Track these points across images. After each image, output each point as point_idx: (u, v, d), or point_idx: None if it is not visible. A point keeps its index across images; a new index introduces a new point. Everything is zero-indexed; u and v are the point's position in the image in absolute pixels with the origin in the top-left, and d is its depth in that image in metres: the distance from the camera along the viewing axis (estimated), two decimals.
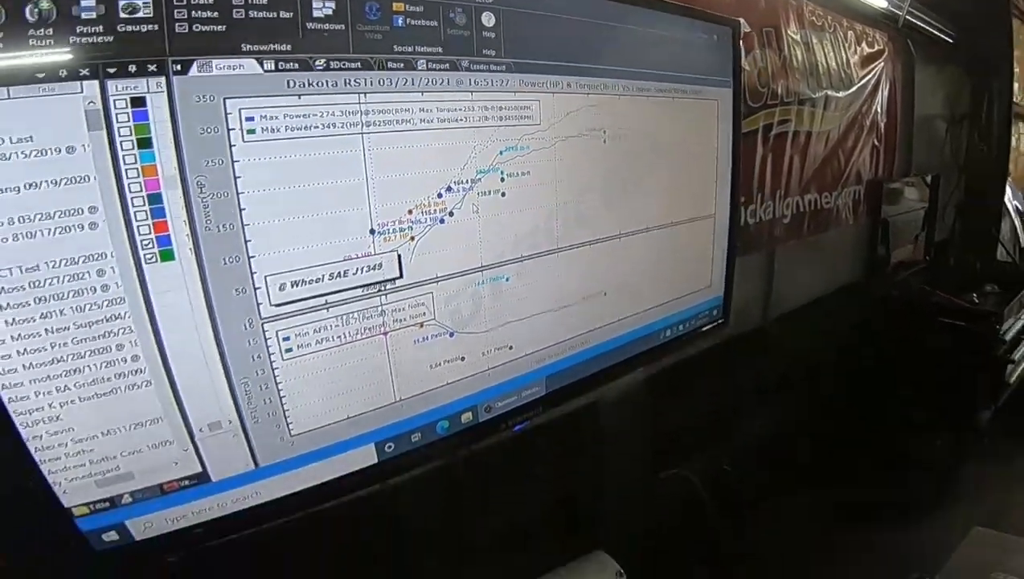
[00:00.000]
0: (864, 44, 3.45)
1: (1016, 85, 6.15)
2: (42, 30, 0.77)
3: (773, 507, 2.81)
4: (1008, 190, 5.46)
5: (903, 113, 3.91)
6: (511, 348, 1.29)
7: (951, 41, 4.43)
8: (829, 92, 3.09)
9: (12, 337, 0.80)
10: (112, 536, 0.93)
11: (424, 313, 1.14)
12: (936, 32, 4.25)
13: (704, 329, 1.80)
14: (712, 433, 2.74)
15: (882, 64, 3.61)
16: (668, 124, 1.54)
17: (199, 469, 0.96)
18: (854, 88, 3.33)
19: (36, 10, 0.76)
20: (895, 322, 3.42)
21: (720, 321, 1.85)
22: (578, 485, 2.08)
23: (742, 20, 1.85)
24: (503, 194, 1.21)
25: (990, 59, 4.64)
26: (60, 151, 0.79)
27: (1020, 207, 5.90)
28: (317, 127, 0.97)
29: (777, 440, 3.01)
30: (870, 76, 3.49)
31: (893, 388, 3.26)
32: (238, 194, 0.91)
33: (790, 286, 3.01)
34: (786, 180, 2.83)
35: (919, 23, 3.99)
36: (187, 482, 0.96)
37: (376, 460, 1.13)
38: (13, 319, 0.80)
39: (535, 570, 1.68)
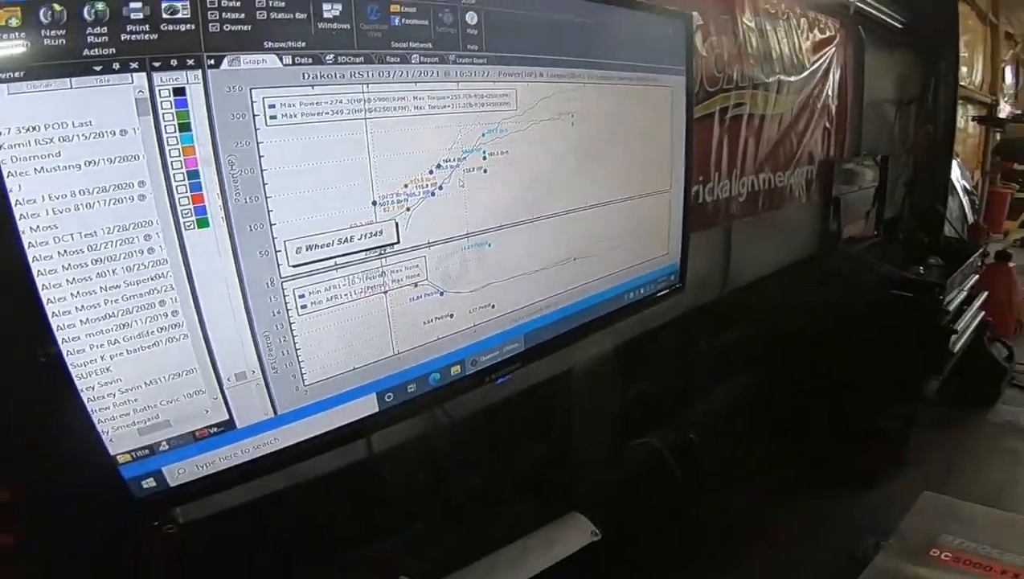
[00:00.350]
0: (816, 30, 3.68)
1: (964, 69, 6.53)
2: (98, 28, 0.92)
3: (736, 474, 3.04)
4: (956, 169, 5.85)
5: (853, 96, 4.18)
6: (493, 307, 1.50)
7: (900, 26, 4.70)
8: (782, 77, 3.31)
9: (72, 294, 0.96)
10: (150, 483, 1.09)
11: (418, 274, 1.33)
12: (886, 18, 4.51)
13: (663, 293, 2.02)
14: (678, 404, 2.97)
15: (833, 49, 3.86)
16: (628, 108, 1.76)
17: (226, 417, 1.14)
18: (806, 73, 3.57)
19: (93, 11, 0.91)
20: (847, 295, 3.61)
21: (677, 286, 2.08)
22: (554, 453, 2.28)
23: (695, 13, 2.07)
24: (485, 171, 1.41)
25: (937, 43, 4.92)
26: (115, 133, 0.95)
27: (967, 186, 6.32)
28: (327, 113, 1.15)
29: (738, 410, 3.25)
30: (821, 61, 3.74)
31: (846, 359, 3.43)
32: (262, 171, 1.09)
33: (747, 260, 3.25)
34: (741, 160, 3.05)
35: (870, 9, 4.25)
36: (216, 429, 1.13)
37: (377, 409, 1.32)
38: (73, 278, 0.96)
39: (515, 532, 1.84)
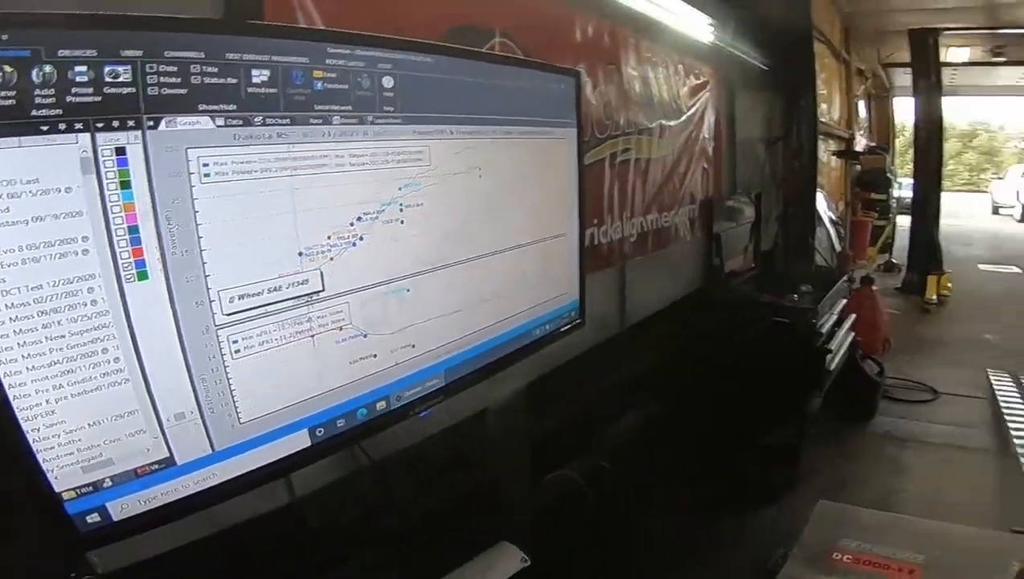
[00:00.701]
0: (692, 76, 4.09)
1: (824, 106, 7.31)
2: (45, 90, 1.01)
3: (649, 497, 3.27)
4: (822, 202, 6.55)
5: (727, 137, 4.64)
6: (414, 346, 1.64)
7: (766, 68, 5.25)
8: (663, 121, 3.67)
9: (19, 344, 1.03)
10: (95, 518, 1.15)
11: (343, 319, 1.46)
12: (753, 61, 5.02)
13: (567, 328, 2.24)
14: (591, 434, 3.18)
15: (707, 94, 4.30)
16: (528, 160, 1.99)
17: (167, 454, 1.22)
18: (684, 117, 3.96)
19: (41, 73, 1.01)
20: (733, 323, 4.00)
21: (578, 321, 2.31)
22: (480, 488, 2.42)
23: (581, 67, 2.34)
24: (402, 222, 1.56)
25: (798, 83, 5.53)
26: (60, 191, 1.04)
27: (833, 217, 7.07)
28: (257, 171, 1.28)
29: (645, 437, 3.50)
30: (698, 105, 4.16)
31: (738, 383, 3.77)
32: (197, 225, 1.20)
33: (642, 297, 3.52)
34: (631, 202, 3.35)
35: (738, 53, 4.73)
36: (157, 466, 1.21)
37: (309, 443, 1.43)
38: (20, 329, 1.03)
39: (449, 564, 1.94)
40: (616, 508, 2.95)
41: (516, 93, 1.93)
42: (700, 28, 4.22)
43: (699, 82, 4.22)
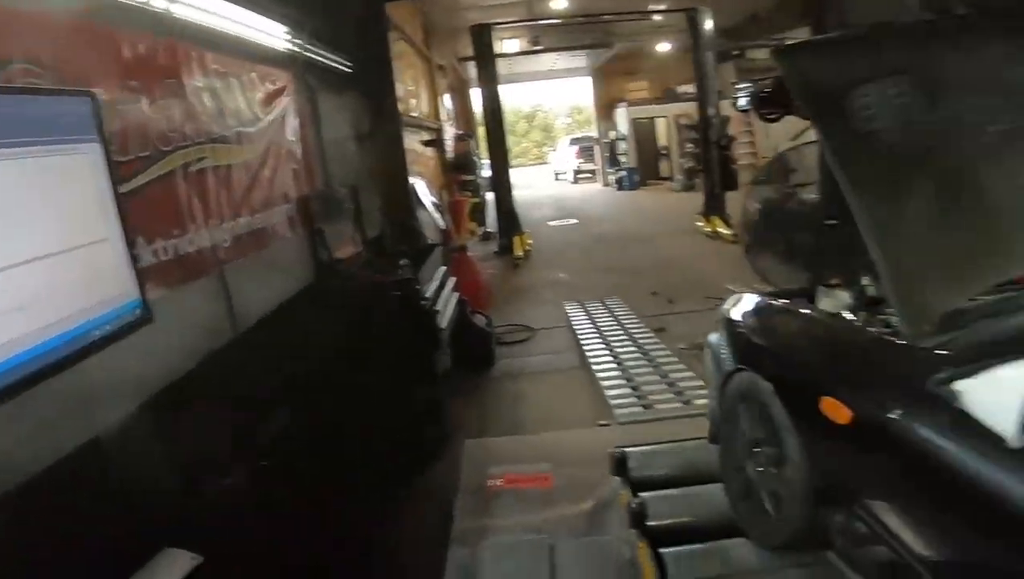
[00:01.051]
0: (268, 83, 4.04)
1: (414, 101, 7.80)
2: None
3: (328, 482, 3.20)
4: (423, 188, 7.10)
5: (314, 137, 4.68)
6: None
7: (349, 71, 5.42)
8: (240, 129, 3.57)
9: None
10: None
11: None
12: (334, 64, 5.15)
13: (134, 324, 2.12)
14: (248, 441, 3.01)
15: (287, 98, 4.29)
16: (46, 176, 1.82)
17: None
18: (264, 122, 3.89)
19: None
20: (355, 306, 4.05)
21: (147, 317, 2.20)
22: (139, 509, 2.15)
23: (96, 91, 2.18)
24: None
25: (380, 82, 5.82)
26: None
27: (435, 201, 7.72)
28: None
29: (303, 430, 3.43)
30: (277, 110, 4.13)
31: (378, 359, 3.85)
32: None
33: (251, 299, 3.38)
34: (217, 209, 3.19)
35: (317, 58, 4.81)
36: None
37: None
38: None
39: None
40: (294, 499, 2.86)
41: (16, 117, 1.74)
42: (273, 37, 4.19)
43: (276, 88, 4.18)
